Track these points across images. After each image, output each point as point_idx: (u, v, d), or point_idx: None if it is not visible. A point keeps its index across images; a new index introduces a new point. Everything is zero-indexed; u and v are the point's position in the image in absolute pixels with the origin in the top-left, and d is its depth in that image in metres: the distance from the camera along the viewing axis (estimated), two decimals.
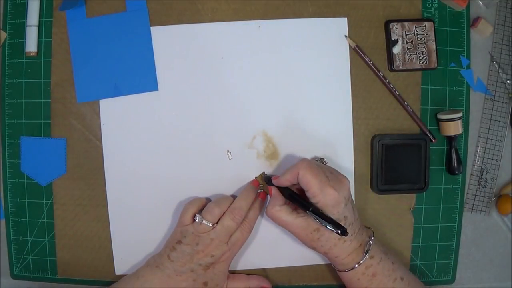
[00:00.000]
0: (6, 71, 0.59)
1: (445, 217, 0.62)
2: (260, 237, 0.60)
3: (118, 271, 0.60)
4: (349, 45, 0.59)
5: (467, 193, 0.63)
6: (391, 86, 0.60)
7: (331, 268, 0.60)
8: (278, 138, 0.59)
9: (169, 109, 0.59)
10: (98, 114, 0.58)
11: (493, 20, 0.63)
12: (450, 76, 0.61)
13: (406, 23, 0.59)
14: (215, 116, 0.59)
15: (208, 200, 0.58)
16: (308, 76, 0.59)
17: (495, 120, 0.63)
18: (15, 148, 0.59)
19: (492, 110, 0.63)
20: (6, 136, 0.59)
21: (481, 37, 0.62)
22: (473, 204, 0.63)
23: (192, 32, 0.58)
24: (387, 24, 0.59)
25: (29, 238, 0.60)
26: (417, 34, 0.59)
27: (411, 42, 0.59)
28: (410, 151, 0.60)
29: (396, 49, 0.59)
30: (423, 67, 0.60)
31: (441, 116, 0.60)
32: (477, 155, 0.63)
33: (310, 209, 0.49)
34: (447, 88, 0.61)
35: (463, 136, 0.62)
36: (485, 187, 0.63)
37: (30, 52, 0.58)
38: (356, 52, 0.59)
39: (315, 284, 0.61)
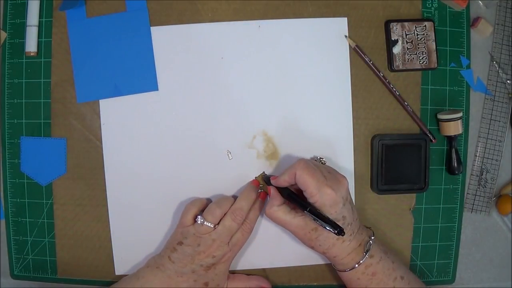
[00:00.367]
0: (6, 71, 0.59)
1: (445, 217, 0.62)
2: (260, 237, 0.60)
3: (118, 271, 0.60)
4: (349, 45, 0.59)
5: (467, 193, 0.63)
6: (391, 86, 0.60)
7: (331, 268, 0.60)
8: (278, 138, 0.59)
9: (169, 109, 0.59)
10: (98, 114, 0.58)
11: (493, 20, 0.63)
12: (450, 76, 0.61)
13: (406, 23, 0.59)
14: (215, 116, 0.59)
15: (208, 200, 0.58)
16: (308, 76, 0.59)
17: (495, 120, 0.63)
18: (15, 148, 0.59)
19: (492, 110, 0.63)
20: (6, 136, 0.59)
21: (481, 37, 0.62)
22: (473, 204, 0.63)
23: (192, 32, 0.58)
24: (387, 24, 0.59)
25: (29, 238, 0.60)
26: (417, 34, 0.59)
27: (411, 42, 0.59)
28: (410, 151, 0.60)
29: (396, 49, 0.59)
30: (423, 67, 0.60)
31: (441, 116, 0.60)
32: (477, 155, 0.63)
33: (308, 209, 0.49)
34: (447, 88, 0.61)
35: (463, 136, 0.62)
36: (485, 187, 0.63)
37: (30, 52, 0.58)
38: (356, 52, 0.59)
39: (315, 284, 0.61)
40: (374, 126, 0.60)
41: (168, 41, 0.58)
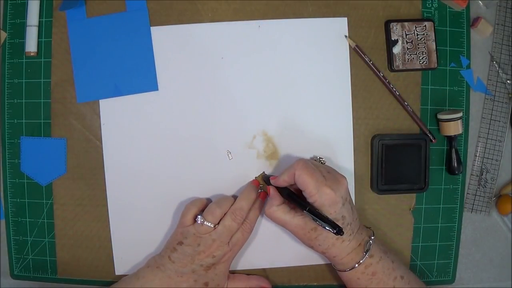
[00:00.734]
0: (6, 71, 0.59)
1: (445, 217, 0.62)
2: (260, 237, 0.60)
3: (118, 271, 0.60)
4: (349, 45, 0.59)
5: (467, 193, 0.63)
6: (391, 86, 0.60)
7: (331, 268, 0.60)
8: (278, 138, 0.59)
9: (169, 109, 0.59)
10: (98, 114, 0.58)
11: (493, 20, 0.63)
12: (450, 76, 0.61)
13: (406, 23, 0.59)
14: (215, 116, 0.59)
15: (208, 200, 0.58)
16: (308, 76, 0.59)
17: (495, 120, 0.63)
18: (15, 148, 0.59)
19: (492, 110, 0.63)
20: (6, 136, 0.59)
21: (481, 37, 0.62)
22: (473, 204, 0.63)
23: (192, 32, 0.58)
24: (387, 24, 0.59)
25: (29, 238, 0.60)
26: (417, 34, 0.59)
27: (411, 42, 0.59)
28: (410, 151, 0.60)
29: (396, 49, 0.59)
30: (423, 67, 0.60)
31: (441, 116, 0.60)
32: (477, 155, 0.63)
33: (307, 209, 0.49)
34: (447, 88, 0.61)
35: (463, 136, 0.62)
36: (485, 187, 0.63)
37: (30, 52, 0.58)
38: (356, 52, 0.59)
39: (315, 284, 0.61)
40: (374, 126, 0.60)
41: (168, 41, 0.58)
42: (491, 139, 0.63)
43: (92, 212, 0.59)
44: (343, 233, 0.48)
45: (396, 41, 0.59)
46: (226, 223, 0.53)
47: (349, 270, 0.53)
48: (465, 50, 0.62)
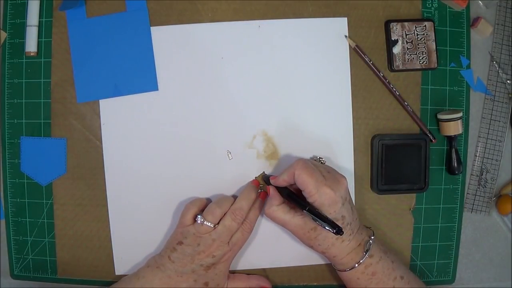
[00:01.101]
0: (6, 71, 0.59)
1: (445, 217, 0.62)
2: (260, 237, 0.60)
3: (118, 271, 0.60)
4: (349, 45, 0.59)
5: (467, 193, 0.63)
6: (391, 86, 0.60)
7: (331, 268, 0.60)
8: (278, 138, 0.59)
9: (169, 109, 0.59)
10: (98, 114, 0.58)
11: (493, 20, 0.63)
12: (450, 76, 0.61)
13: (406, 23, 0.59)
14: (215, 116, 0.59)
15: (208, 200, 0.58)
16: (308, 76, 0.59)
17: (495, 120, 0.63)
18: (15, 148, 0.59)
19: (492, 110, 0.63)
20: (6, 136, 0.59)
21: (481, 37, 0.62)
22: (473, 204, 0.63)
23: (192, 32, 0.58)
24: (387, 24, 0.59)
25: (29, 238, 0.60)
26: (417, 34, 0.59)
27: (411, 42, 0.59)
28: (410, 151, 0.60)
29: (396, 49, 0.59)
30: (423, 67, 0.60)
31: (441, 116, 0.60)
32: (477, 155, 0.63)
33: (307, 208, 0.49)
34: (447, 88, 0.61)
35: (463, 136, 0.62)
36: (485, 187, 0.63)
37: (30, 52, 0.58)
38: (356, 52, 0.59)
39: (315, 284, 0.61)
40: (374, 126, 0.60)
41: (168, 41, 0.58)
42: (491, 139, 0.63)
43: (92, 212, 0.59)
44: (343, 232, 0.48)
45: (396, 41, 0.59)
46: (226, 223, 0.53)
47: (349, 270, 0.53)
48: (465, 50, 0.62)
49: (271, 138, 0.59)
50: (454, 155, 0.60)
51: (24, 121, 0.59)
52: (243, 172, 0.59)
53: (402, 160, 0.60)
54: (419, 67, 0.60)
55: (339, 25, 0.59)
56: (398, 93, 0.60)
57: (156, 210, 0.59)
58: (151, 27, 0.58)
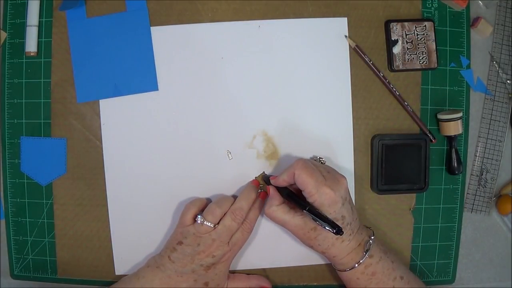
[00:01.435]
0: (6, 71, 0.59)
1: (445, 217, 0.62)
2: (260, 237, 0.60)
3: (118, 271, 0.60)
4: (349, 45, 0.59)
5: (467, 193, 0.63)
6: (391, 86, 0.60)
7: (331, 268, 0.60)
8: (278, 138, 0.59)
9: (169, 109, 0.59)
10: (98, 114, 0.58)
11: (493, 20, 0.63)
12: (450, 76, 0.61)
13: (406, 23, 0.59)
14: (215, 116, 0.59)
15: (208, 200, 0.58)
16: (308, 76, 0.59)
17: (495, 120, 0.63)
18: (15, 148, 0.59)
19: (492, 110, 0.63)
20: (6, 136, 0.59)
21: (481, 37, 0.62)
22: (473, 204, 0.63)
23: (192, 32, 0.58)
24: (387, 24, 0.59)
25: (29, 238, 0.60)
26: (417, 34, 0.59)
27: (411, 42, 0.59)
28: (410, 151, 0.60)
29: (396, 49, 0.59)
30: (423, 67, 0.60)
31: (441, 116, 0.60)
32: (477, 155, 0.63)
33: (307, 208, 0.49)
34: (447, 88, 0.61)
35: (463, 136, 0.62)
36: (485, 187, 0.63)
37: (30, 52, 0.58)
38: (356, 52, 0.59)
39: (315, 284, 0.61)
40: (374, 126, 0.60)
41: (168, 41, 0.58)
42: (491, 139, 0.63)
43: (92, 212, 0.59)
44: (343, 232, 0.48)
45: (396, 41, 0.59)
46: (226, 223, 0.53)
47: (349, 270, 0.53)
48: (465, 50, 0.62)
49: (271, 138, 0.59)
50: (454, 155, 0.60)
51: (24, 121, 0.59)
52: (243, 172, 0.59)
53: (402, 160, 0.60)
54: (419, 67, 0.60)
55: (339, 25, 0.59)
56: (398, 93, 0.60)
57: (156, 210, 0.59)
58: (151, 27, 0.58)
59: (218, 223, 0.53)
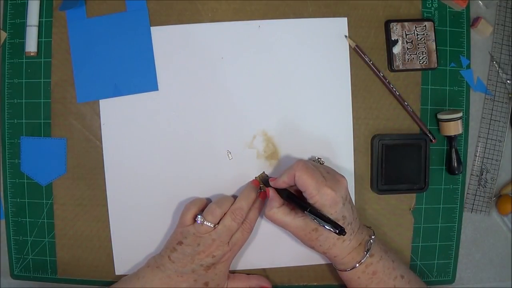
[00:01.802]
0: (6, 71, 0.59)
1: (445, 217, 0.62)
2: (260, 237, 0.60)
3: (118, 271, 0.60)
4: (349, 45, 0.59)
5: (467, 193, 0.63)
6: (391, 86, 0.60)
7: (331, 268, 0.60)
8: (278, 138, 0.59)
9: (169, 109, 0.59)
10: (98, 114, 0.58)
11: (493, 20, 0.63)
12: (450, 76, 0.61)
13: (406, 23, 0.59)
14: (215, 116, 0.59)
15: (208, 200, 0.58)
16: (308, 76, 0.59)
17: (495, 120, 0.63)
18: (15, 148, 0.59)
19: (492, 110, 0.63)
20: (6, 136, 0.59)
21: (481, 37, 0.62)
22: (473, 204, 0.63)
23: (192, 32, 0.58)
24: (387, 24, 0.59)
25: (29, 238, 0.60)
26: (417, 34, 0.59)
27: (411, 42, 0.59)
28: (410, 151, 0.60)
29: (396, 49, 0.59)
30: (423, 67, 0.60)
31: (441, 116, 0.60)
32: (477, 155, 0.63)
33: (308, 210, 0.49)
34: (447, 88, 0.61)
35: (463, 136, 0.62)
36: (485, 187, 0.63)
37: (30, 52, 0.58)
38: (356, 52, 0.59)
39: (315, 284, 0.61)
40: (374, 126, 0.60)
41: (168, 41, 0.58)
42: (491, 139, 0.63)
43: (92, 212, 0.59)
44: (345, 233, 0.48)
45: (396, 41, 0.59)
46: (226, 223, 0.53)
47: (350, 269, 0.53)
48: (465, 50, 0.62)
49: (271, 138, 0.59)
50: (454, 155, 0.60)
51: (24, 121, 0.59)
52: (243, 172, 0.59)
53: (402, 160, 0.60)
54: (419, 67, 0.60)
55: (339, 25, 0.59)
56: (398, 93, 0.60)
57: (156, 210, 0.59)
58: (151, 27, 0.58)
59: (218, 223, 0.53)
